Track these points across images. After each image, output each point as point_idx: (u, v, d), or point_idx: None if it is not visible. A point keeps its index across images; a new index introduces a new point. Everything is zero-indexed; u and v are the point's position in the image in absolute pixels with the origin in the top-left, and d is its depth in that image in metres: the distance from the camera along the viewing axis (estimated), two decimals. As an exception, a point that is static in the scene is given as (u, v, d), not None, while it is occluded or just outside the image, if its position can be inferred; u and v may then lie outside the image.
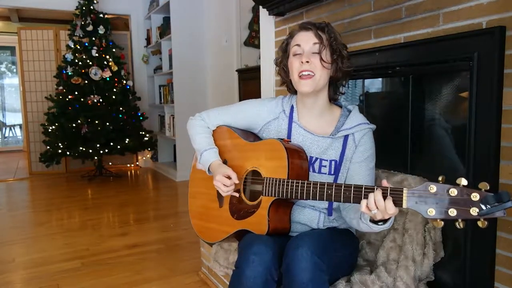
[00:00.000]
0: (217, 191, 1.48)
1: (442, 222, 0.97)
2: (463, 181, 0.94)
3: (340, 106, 1.45)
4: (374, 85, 1.90)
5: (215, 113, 1.57)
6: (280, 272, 1.20)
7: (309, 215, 1.39)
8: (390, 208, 1.04)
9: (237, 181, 1.39)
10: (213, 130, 1.58)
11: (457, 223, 0.95)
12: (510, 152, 1.29)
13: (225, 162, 1.50)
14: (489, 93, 1.29)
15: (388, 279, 1.36)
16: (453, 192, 0.94)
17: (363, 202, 1.08)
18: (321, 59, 1.30)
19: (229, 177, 1.39)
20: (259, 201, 1.35)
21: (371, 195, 1.06)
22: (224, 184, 1.38)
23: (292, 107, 1.45)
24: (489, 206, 0.90)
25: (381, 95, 1.88)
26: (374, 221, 1.15)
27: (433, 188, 0.97)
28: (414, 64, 1.58)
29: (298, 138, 1.41)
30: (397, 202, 1.03)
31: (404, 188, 1.02)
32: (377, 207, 1.05)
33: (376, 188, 1.06)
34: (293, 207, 1.39)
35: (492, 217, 0.90)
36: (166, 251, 2.57)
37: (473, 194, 0.92)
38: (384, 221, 1.14)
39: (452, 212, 0.94)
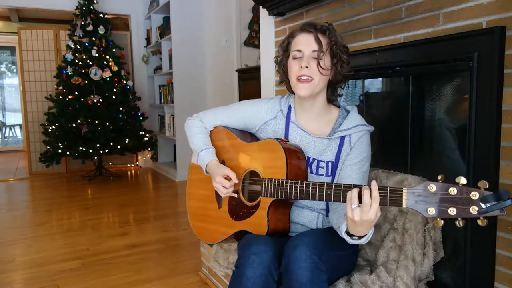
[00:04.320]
0: (216, 192, 1.48)
1: (442, 221, 0.97)
2: (463, 180, 0.94)
3: (339, 107, 1.44)
4: (374, 85, 1.90)
5: (212, 113, 1.57)
6: (280, 271, 1.20)
7: (308, 216, 1.39)
8: (372, 207, 1.01)
9: (237, 181, 1.38)
10: (211, 131, 1.57)
11: (457, 222, 0.95)
12: (510, 152, 1.29)
13: (222, 162, 1.50)
14: (489, 93, 1.29)
15: (388, 279, 1.36)
16: (453, 191, 0.94)
17: (354, 191, 1.05)
18: (319, 65, 1.29)
19: (228, 178, 1.39)
20: (258, 201, 1.35)
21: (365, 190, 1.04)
22: (223, 186, 1.38)
23: (289, 107, 1.44)
24: (489, 205, 0.89)
25: (381, 95, 1.88)
26: (349, 234, 1.14)
27: (432, 187, 0.97)
28: (414, 64, 1.58)
29: (295, 138, 1.40)
30: (397, 202, 1.02)
31: (404, 188, 1.02)
32: (360, 202, 1.04)
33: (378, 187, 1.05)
34: (291, 208, 1.39)
35: (492, 215, 0.90)
36: (166, 251, 2.57)
37: (473, 193, 0.92)
38: (360, 237, 1.13)
39: (452, 211, 0.94)
